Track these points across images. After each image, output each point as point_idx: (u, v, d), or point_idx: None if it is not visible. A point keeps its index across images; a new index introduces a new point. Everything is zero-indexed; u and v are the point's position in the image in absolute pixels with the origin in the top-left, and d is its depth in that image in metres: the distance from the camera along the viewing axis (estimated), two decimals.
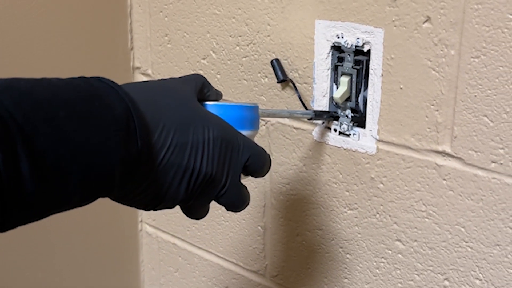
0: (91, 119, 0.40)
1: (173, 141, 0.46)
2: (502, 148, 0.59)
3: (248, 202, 0.54)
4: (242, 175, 0.53)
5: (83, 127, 0.40)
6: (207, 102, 0.53)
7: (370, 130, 0.68)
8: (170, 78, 0.53)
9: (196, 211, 0.52)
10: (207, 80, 0.55)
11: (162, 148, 0.46)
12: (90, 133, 0.40)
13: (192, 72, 0.85)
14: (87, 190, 0.41)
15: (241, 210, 0.53)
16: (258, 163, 0.53)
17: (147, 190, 0.46)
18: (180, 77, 0.53)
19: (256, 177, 0.55)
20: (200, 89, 0.53)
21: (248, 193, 0.54)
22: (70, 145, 0.39)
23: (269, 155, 0.54)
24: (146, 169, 0.45)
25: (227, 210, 0.53)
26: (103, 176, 0.41)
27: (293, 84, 0.73)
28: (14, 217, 0.38)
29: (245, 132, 0.53)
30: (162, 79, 0.52)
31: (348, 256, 0.75)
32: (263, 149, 0.54)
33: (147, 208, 0.49)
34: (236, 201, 0.52)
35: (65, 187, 0.39)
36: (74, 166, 0.39)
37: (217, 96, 0.57)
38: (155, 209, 0.49)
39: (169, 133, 0.46)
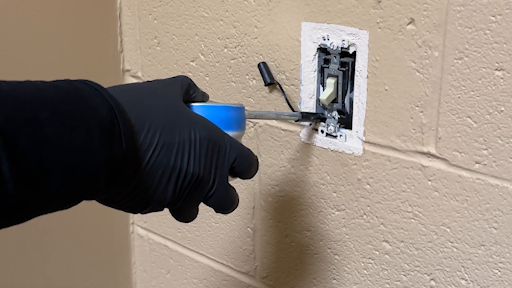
0: (74, 120, 0.40)
1: (159, 142, 0.46)
2: (486, 149, 0.60)
3: (237, 204, 0.53)
4: (230, 177, 0.53)
5: (66, 128, 0.40)
6: (193, 103, 0.53)
7: (357, 132, 0.69)
8: (156, 80, 0.53)
9: (185, 213, 0.52)
10: (192, 82, 0.55)
11: (149, 149, 0.46)
12: (73, 135, 0.40)
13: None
14: (70, 192, 0.41)
15: (230, 211, 0.53)
16: (245, 164, 0.53)
17: (134, 192, 0.46)
18: (165, 79, 0.53)
19: (244, 178, 0.54)
20: (186, 90, 0.53)
21: (237, 195, 0.53)
22: (52, 146, 0.39)
23: (256, 156, 0.54)
24: (132, 170, 0.45)
25: (216, 212, 0.53)
26: (86, 178, 0.41)
27: (280, 86, 0.73)
28: None
29: (231, 133, 0.53)
30: (148, 81, 0.52)
31: (336, 257, 0.76)
32: (250, 150, 0.54)
33: (135, 211, 0.49)
34: (225, 202, 0.52)
35: (47, 189, 0.39)
36: (57, 167, 0.39)
37: (203, 97, 0.57)
38: (142, 212, 0.49)
39: (155, 134, 0.46)
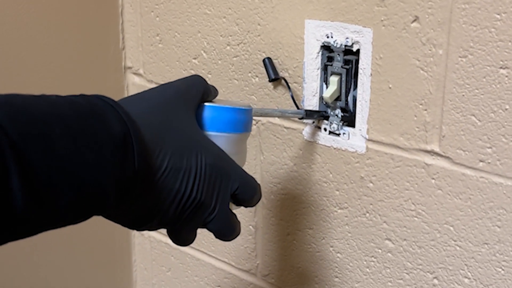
0: (86, 137, 0.40)
1: (168, 165, 0.47)
2: (490, 147, 0.59)
3: (238, 232, 0.54)
4: (233, 205, 0.54)
5: (77, 145, 0.40)
6: (205, 103, 0.54)
7: (360, 130, 0.68)
8: (172, 88, 0.52)
9: (183, 237, 0.52)
10: (207, 85, 0.55)
11: (158, 170, 0.46)
12: (84, 151, 0.40)
13: (184, 73, 0.85)
14: (79, 208, 0.41)
15: (231, 239, 0.54)
16: (248, 193, 0.53)
17: (138, 210, 0.47)
18: (182, 87, 0.52)
19: (246, 206, 0.55)
20: (201, 97, 0.54)
21: (238, 222, 0.54)
22: (63, 162, 0.39)
23: (259, 185, 0.55)
24: (142, 189, 0.45)
25: (216, 237, 0.53)
26: (96, 195, 0.41)
27: (286, 82, 0.73)
28: (4, 232, 0.38)
29: (238, 135, 0.54)
30: (164, 91, 0.51)
31: (338, 255, 0.76)
32: (253, 178, 0.54)
33: (132, 227, 0.50)
34: (225, 228, 0.52)
35: (56, 205, 0.39)
36: (67, 184, 0.39)
37: (214, 95, 0.57)
38: (139, 229, 0.50)
39: (165, 157, 0.47)
